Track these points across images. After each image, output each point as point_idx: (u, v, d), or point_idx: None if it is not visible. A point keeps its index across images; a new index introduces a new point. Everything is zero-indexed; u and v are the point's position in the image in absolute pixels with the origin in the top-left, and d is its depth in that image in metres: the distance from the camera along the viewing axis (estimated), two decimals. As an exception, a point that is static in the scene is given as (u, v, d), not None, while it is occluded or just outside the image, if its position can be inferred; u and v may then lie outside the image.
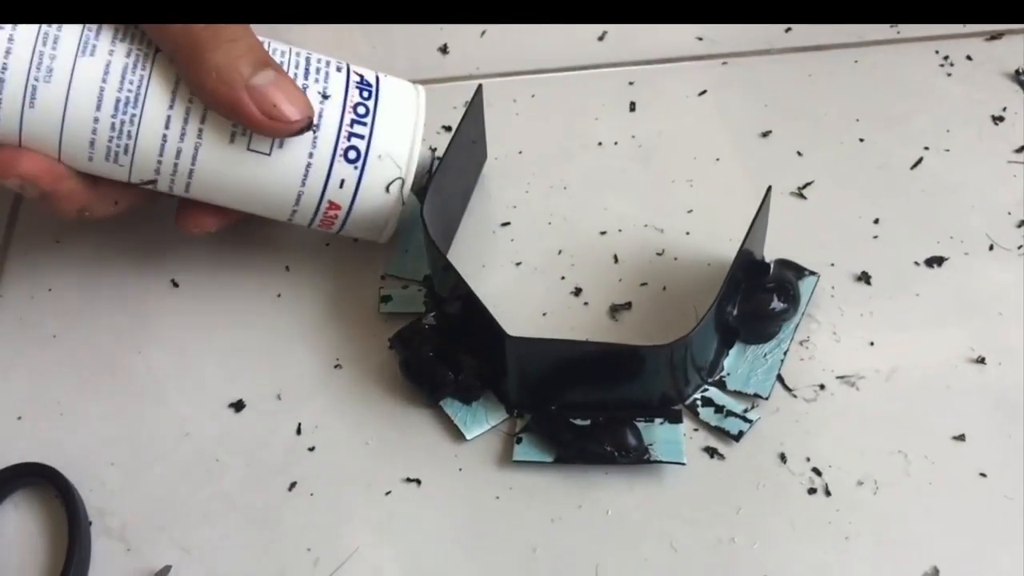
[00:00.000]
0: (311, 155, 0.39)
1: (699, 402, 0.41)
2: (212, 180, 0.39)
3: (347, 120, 0.40)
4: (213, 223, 0.42)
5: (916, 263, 0.44)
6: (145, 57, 0.37)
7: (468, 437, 0.40)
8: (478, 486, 0.39)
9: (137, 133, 0.38)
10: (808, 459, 0.39)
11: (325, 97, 0.39)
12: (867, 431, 0.40)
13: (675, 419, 0.40)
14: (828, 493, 0.38)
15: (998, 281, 0.43)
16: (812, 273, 0.43)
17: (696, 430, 0.40)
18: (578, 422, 0.40)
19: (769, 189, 0.41)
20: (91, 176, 0.39)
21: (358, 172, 0.40)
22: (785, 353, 0.41)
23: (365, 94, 0.40)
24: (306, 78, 0.39)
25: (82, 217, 0.40)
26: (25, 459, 0.40)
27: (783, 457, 0.39)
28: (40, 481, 0.40)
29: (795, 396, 0.41)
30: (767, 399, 0.40)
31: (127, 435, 0.41)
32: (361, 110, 0.40)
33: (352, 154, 0.40)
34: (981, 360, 0.41)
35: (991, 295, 0.43)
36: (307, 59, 0.40)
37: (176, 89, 0.38)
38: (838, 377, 0.41)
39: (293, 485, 0.40)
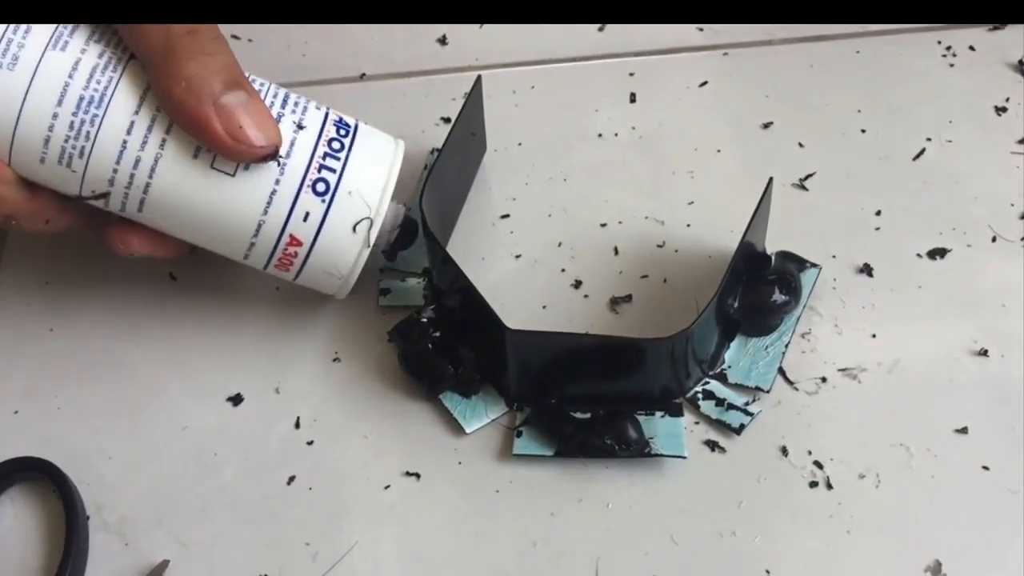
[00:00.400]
0: (277, 182, 0.38)
1: (700, 395, 0.40)
2: (169, 198, 0.37)
3: (320, 152, 0.38)
4: (141, 245, 0.39)
5: (918, 255, 0.44)
6: (118, 61, 0.36)
7: (468, 431, 0.40)
8: (478, 480, 0.39)
9: (96, 135, 0.36)
10: (810, 452, 0.39)
11: (300, 127, 0.38)
12: (869, 424, 0.40)
13: (676, 412, 0.40)
14: (830, 486, 0.38)
15: (1001, 273, 0.43)
16: (814, 265, 0.43)
17: (697, 423, 0.40)
18: (578, 415, 0.40)
19: (770, 180, 0.41)
20: (30, 188, 0.38)
21: (325, 206, 0.38)
22: (786, 346, 0.41)
23: (342, 131, 0.39)
24: (282, 108, 0.38)
25: (7, 224, 0.38)
26: (22, 453, 0.40)
27: (784, 450, 0.39)
28: (37, 476, 0.39)
29: (796, 389, 0.41)
30: (768, 392, 0.40)
31: (125, 429, 0.41)
32: (336, 145, 0.39)
33: (321, 186, 0.38)
34: (984, 352, 0.41)
35: (994, 287, 0.43)
36: (286, 94, 0.39)
37: (144, 96, 0.36)
38: (840, 370, 0.41)
39: (292, 479, 0.40)
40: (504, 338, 0.38)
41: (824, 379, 0.41)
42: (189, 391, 0.42)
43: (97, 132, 0.36)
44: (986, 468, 0.38)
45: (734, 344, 0.42)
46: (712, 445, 0.39)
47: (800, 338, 0.42)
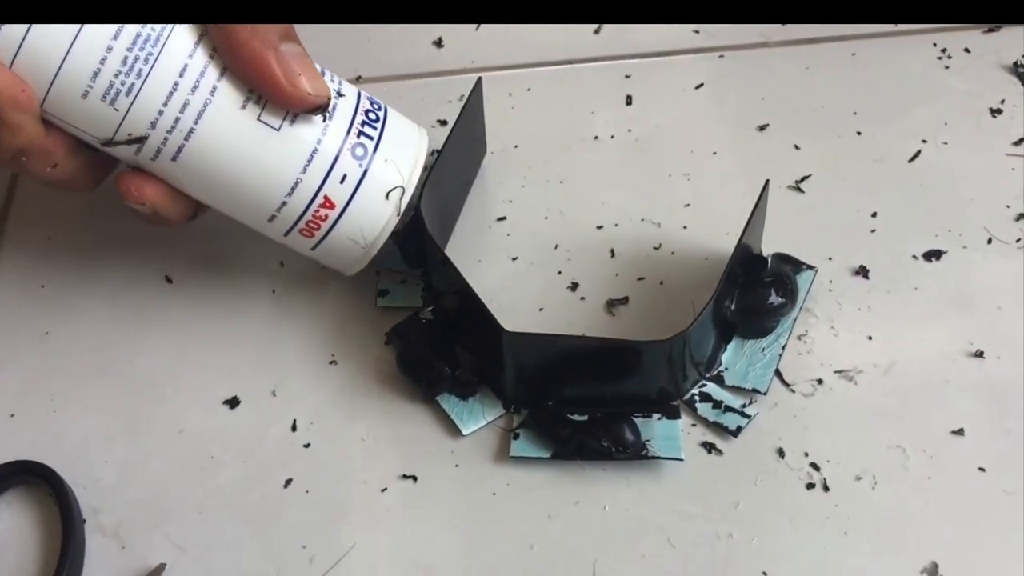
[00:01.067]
0: (319, 141, 0.38)
1: (697, 397, 0.41)
2: (209, 147, 0.37)
3: (359, 119, 0.39)
4: (155, 195, 0.38)
5: (914, 257, 0.44)
6: None
7: (465, 433, 0.40)
8: (475, 482, 0.39)
9: (149, 73, 0.36)
10: (806, 454, 0.39)
11: (340, 95, 0.39)
12: (865, 426, 0.40)
13: (673, 414, 0.40)
14: (826, 488, 0.38)
15: (997, 274, 0.43)
16: (810, 267, 0.43)
17: (694, 425, 0.40)
18: (575, 417, 0.40)
19: (767, 183, 0.41)
20: (47, 124, 0.37)
21: (362, 170, 0.39)
22: (783, 348, 0.41)
23: (376, 106, 0.40)
24: (322, 75, 0.39)
25: (16, 163, 0.37)
26: (18, 457, 0.40)
27: (781, 452, 0.39)
28: (33, 479, 0.39)
29: (793, 391, 0.41)
30: (765, 394, 0.40)
31: (121, 432, 0.41)
32: (372, 116, 0.39)
33: (360, 151, 0.39)
34: (980, 354, 0.41)
35: (989, 289, 0.43)
36: (322, 67, 0.39)
37: (200, 40, 0.36)
38: (836, 372, 0.41)
39: (289, 482, 0.40)
40: (501, 340, 0.38)
41: (820, 381, 0.41)
42: (186, 394, 0.42)
43: (150, 70, 0.36)
44: (982, 469, 0.38)
45: (731, 346, 0.42)
46: (709, 447, 0.40)
47: (796, 340, 0.42)
